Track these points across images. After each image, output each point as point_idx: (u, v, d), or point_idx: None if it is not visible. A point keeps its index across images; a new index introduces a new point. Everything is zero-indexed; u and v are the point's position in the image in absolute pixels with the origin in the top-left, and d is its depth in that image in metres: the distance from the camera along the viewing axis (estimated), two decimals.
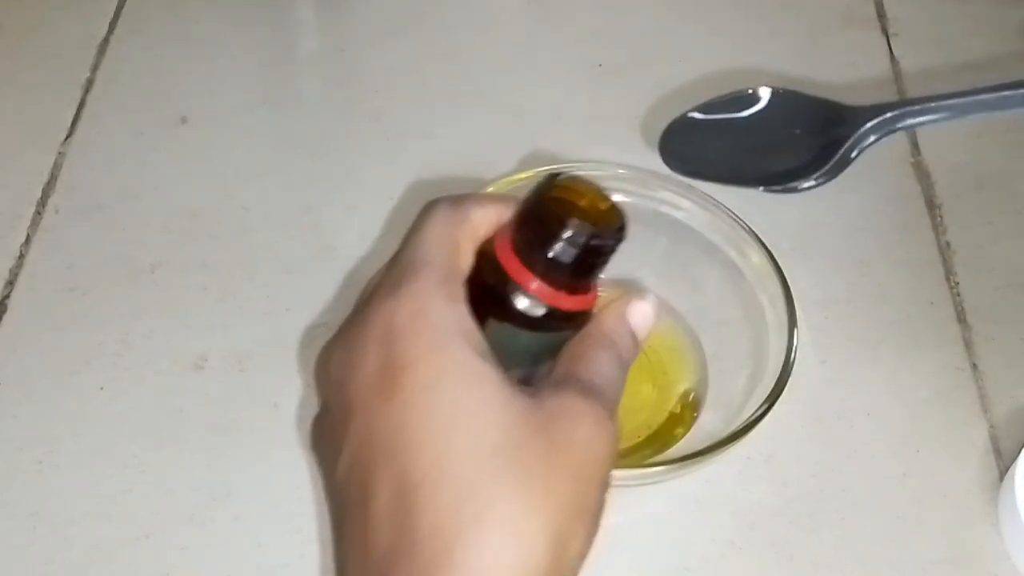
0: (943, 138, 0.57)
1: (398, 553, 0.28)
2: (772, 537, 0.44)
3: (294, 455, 0.46)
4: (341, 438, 0.31)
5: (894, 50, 0.61)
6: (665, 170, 0.53)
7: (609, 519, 0.44)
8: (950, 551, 0.44)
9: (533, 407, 0.30)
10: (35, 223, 0.53)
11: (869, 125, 0.52)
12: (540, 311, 0.32)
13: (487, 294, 0.32)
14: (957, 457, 0.46)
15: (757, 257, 0.47)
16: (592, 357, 0.33)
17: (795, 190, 0.52)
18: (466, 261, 0.33)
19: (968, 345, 0.50)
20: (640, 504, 0.45)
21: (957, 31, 0.62)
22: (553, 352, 0.33)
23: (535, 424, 0.30)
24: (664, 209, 0.49)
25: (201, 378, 0.48)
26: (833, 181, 0.52)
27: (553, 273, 0.32)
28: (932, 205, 0.55)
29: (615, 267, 0.50)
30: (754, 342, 0.46)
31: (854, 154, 0.52)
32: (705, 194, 0.48)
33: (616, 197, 0.51)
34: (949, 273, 0.52)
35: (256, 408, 0.47)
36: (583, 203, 0.33)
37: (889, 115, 0.52)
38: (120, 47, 0.61)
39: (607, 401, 0.32)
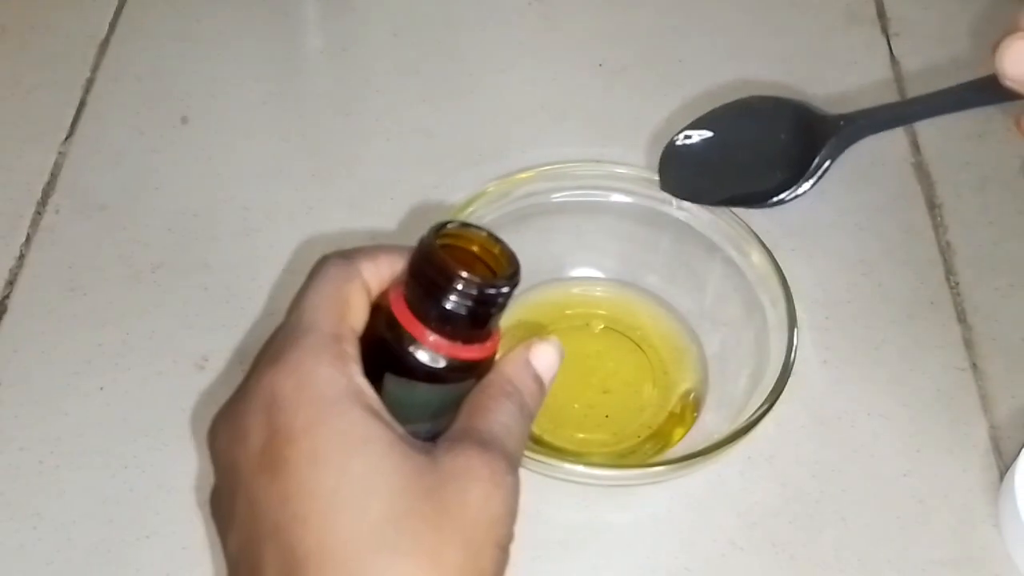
0: (944, 138, 0.57)
1: None
2: (773, 537, 0.44)
3: None
4: (230, 513, 0.30)
5: (894, 50, 0.61)
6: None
7: (610, 519, 0.45)
8: (950, 551, 0.44)
9: (426, 468, 0.29)
10: (35, 223, 0.53)
11: (837, 138, 0.51)
12: (438, 364, 0.31)
13: (383, 349, 0.31)
14: (958, 457, 0.46)
15: (758, 257, 0.47)
16: (492, 407, 0.32)
17: (783, 202, 0.51)
18: (358, 318, 0.32)
19: (969, 345, 0.50)
20: (640, 504, 0.45)
21: (957, 31, 0.62)
22: (456, 403, 0.32)
23: (426, 486, 0.29)
24: (665, 209, 0.49)
25: (202, 378, 0.48)
26: (834, 181, 0.52)
27: (448, 325, 0.31)
28: (933, 205, 0.55)
29: (616, 268, 0.51)
30: (755, 342, 0.46)
31: (827, 164, 0.51)
32: None
33: (618, 197, 0.51)
34: (950, 273, 0.52)
35: None
36: (474, 248, 0.32)
37: (856, 125, 0.51)
38: (121, 47, 0.61)
39: (507, 453, 0.31)
